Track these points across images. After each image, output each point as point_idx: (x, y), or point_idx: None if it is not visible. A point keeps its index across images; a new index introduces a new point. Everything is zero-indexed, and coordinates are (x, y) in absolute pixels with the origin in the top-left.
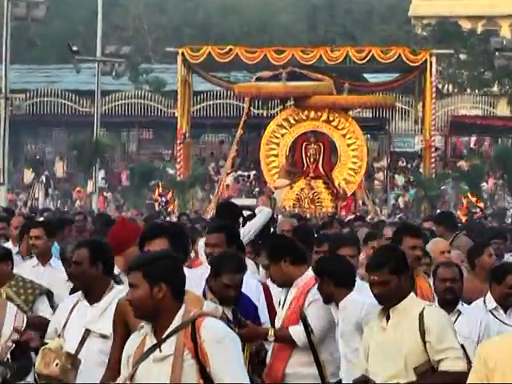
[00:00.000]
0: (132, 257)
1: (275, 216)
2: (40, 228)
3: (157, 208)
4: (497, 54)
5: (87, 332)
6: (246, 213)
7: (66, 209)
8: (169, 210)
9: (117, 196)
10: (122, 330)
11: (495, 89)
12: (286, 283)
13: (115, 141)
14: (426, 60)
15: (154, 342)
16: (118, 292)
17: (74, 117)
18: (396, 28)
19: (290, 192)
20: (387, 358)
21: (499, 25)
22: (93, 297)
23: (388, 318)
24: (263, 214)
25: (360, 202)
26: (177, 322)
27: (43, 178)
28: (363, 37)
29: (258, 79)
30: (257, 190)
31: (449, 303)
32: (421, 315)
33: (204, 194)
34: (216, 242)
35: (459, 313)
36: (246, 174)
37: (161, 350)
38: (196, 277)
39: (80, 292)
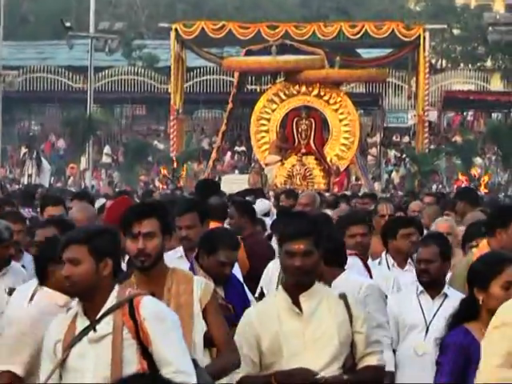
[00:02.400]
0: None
1: (267, 193)
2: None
3: (160, 185)
4: (490, 28)
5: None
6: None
7: (59, 185)
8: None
9: (110, 172)
10: None
11: (488, 64)
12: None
13: (108, 117)
14: (419, 35)
15: (87, 323)
16: None
17: (67, 93)
18: (389, 3)
19: (281, 168)
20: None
21: None
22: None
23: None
24: (261, 206)
25: (353, 178)
26: (111, 301)
27: (34, 155)
28: (356, 12)
29: (248, 52)
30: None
31: (427, 286)
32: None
33: (197, 170)
34: (190, 223)
35: (445, 296)
36: (241, 149)
37: (95, 330)
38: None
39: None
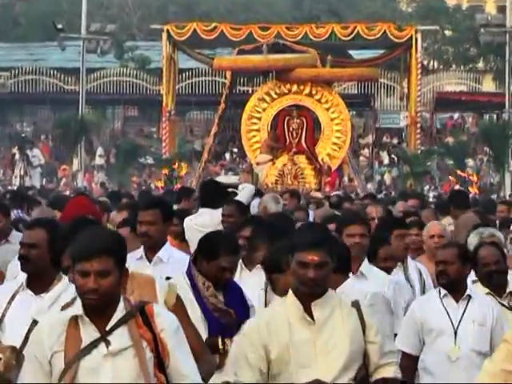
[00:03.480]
0: None
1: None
2: None
3: (160, 184)
4: (482, 30)
5: (34, 324)
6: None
7: (50, 186)
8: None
9: (102, 173)
10: None
11: (480, 65)
12: None
13: (100, 118)
14: (411, 36)
15: (96, 334)
16: (67, 283)
17: (59, 94)
18: (381, 4)
19: (272, 168)
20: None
21: (484, 1)
22: (40, 286)
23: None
24: (246, 190)
25: (346, 178)
26: (120, 310)
27: (26, 157)
28: (348, 14)
29: (240, 52)
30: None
31: (449, 289)
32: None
33: (189, 172)
34: (151, 219)
35: (469, 298)
36: (234, 150)
37: (109, 343)
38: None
39: (20, 278)
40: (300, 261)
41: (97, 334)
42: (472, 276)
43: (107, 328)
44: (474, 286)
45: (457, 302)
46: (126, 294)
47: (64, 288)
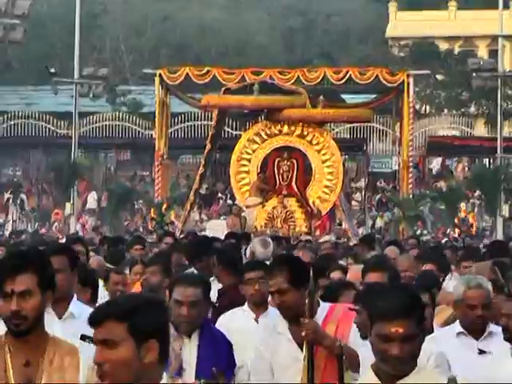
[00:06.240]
0: None
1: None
2: None
3: (150, 227)
4: (474, 74)
5: None
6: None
7: (43, 231)
8: (170, 229)
9: (95, 218)
10: None
11: (472, 109)
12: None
13: (93, 162)
14: (403, 81)
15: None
16: None
17: (52, 139)
18: (373, 49)
19: (261, 211)
20: None
21: (476, 45)
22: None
23: None
24: None
25: (337, 222)
26: None
27: (18, 201)
28: (340, 58)
29: (227, 91)
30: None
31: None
32: None
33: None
34: (58, 267)
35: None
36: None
37: None
38: None
39: None
40: (380, 333)
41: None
42: None
43: None
44: None
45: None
46: (46, 358)
47: None
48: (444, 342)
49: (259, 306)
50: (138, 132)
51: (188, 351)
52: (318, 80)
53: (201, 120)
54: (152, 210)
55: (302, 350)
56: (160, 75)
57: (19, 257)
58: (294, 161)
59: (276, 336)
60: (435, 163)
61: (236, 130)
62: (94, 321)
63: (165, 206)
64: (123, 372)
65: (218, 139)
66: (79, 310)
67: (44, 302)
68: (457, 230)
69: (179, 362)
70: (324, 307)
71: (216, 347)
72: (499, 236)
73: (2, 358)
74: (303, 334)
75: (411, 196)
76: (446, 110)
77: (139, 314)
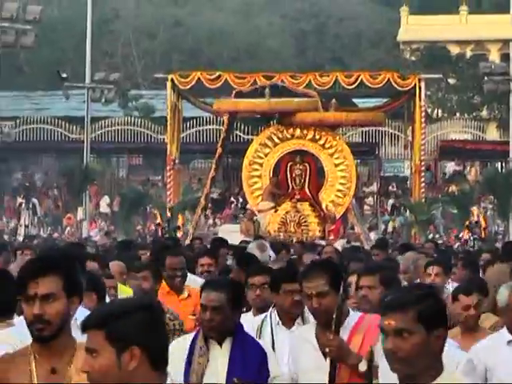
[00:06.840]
0: None
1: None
2: None
3: (159, 233)
4: (486, 78)
5: None
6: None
7: (55, 235)
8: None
9: (107, 222)
10: None
11: (484, 113)
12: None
13: (105, 167)
14: (414, 85)
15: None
16: None
17: (64, 143)
18: (385, 53)
19: (274, 215)
20: None
21: (488, 49)
22: None
23: None
24: None
25: (349, 226)
26: None
27: (30, 205)
28: (352, 62)
29: (238, 94)
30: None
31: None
32: None
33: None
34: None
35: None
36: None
37: None
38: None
39: None
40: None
41: None
42: None
43: None
44: None
45: None
46: (73, 366)
47: None
48: (494, 351)
49: (261, 312)
50: (150, 136)
51: (218, 360)
52: (330, 84)
53: (213, 124)
54: (158, 216)
55: (325, 358)
56: (172, 80)
57: (44, 259)
58: (307, 165)
59: (302, 343)
60: (449, 167)
61: (248, 134)
62: (82, 329)
63: (168, 214)
64: (105, 380)
65: (228, 143)
66: (83, 317)
67: (69, 306)
68: (467, 233)
69: (198, 380)
70: (354, 316)
71: (247, 355)
72: None
73: (27, 366)
74: (327, 350)
75: (423, 200)
76: (457, 114)
77: (116, 322)
